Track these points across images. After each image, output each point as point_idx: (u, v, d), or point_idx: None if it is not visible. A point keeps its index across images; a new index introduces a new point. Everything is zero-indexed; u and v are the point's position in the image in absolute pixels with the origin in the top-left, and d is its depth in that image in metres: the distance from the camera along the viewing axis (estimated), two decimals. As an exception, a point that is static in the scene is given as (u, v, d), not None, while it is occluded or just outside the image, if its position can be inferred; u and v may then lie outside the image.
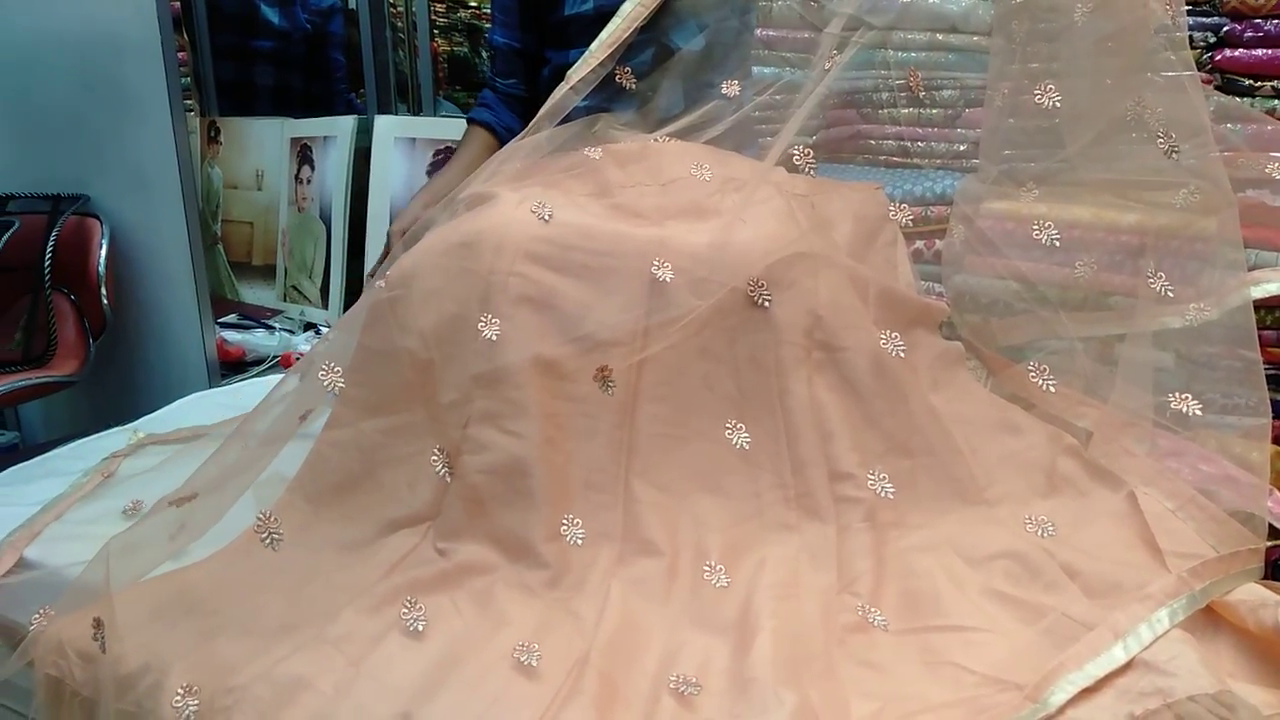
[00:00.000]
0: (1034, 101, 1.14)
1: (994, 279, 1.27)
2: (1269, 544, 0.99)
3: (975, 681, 0.88)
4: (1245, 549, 0.97)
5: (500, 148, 1.33)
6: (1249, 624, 0.90)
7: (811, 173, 1.18)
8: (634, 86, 1.27)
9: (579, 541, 1.03)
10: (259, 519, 0.98)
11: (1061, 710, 0.83)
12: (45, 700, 0.99)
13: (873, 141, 1.53)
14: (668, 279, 1.08)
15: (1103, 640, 0.87)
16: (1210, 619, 0.93)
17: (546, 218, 1.11)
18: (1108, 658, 0.86)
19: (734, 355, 1.10)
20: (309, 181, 2.59)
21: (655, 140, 1.24)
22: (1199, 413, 1.05)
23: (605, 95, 1.31)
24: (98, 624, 0.95)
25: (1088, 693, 0.84)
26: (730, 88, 1.26)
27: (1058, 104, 1.13)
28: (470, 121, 1.53)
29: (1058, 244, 1.16)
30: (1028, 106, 1.17)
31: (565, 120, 1.29)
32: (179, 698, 0.88)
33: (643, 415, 1.09)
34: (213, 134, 2.81)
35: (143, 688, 0.92)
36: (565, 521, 1.04)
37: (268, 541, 0.98)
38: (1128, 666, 0.85)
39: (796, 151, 1.17)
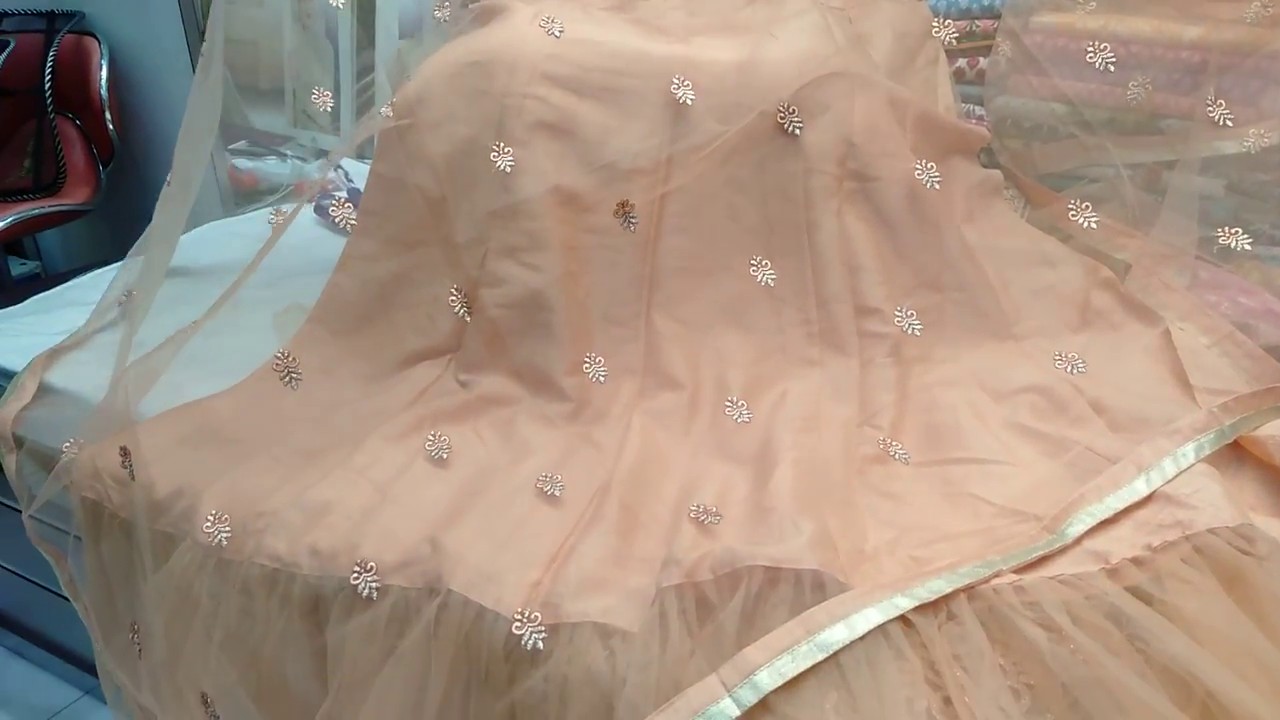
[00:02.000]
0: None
1: (1039, 101, 1.19)
2: (1304, 380, 0.97)
3: (993, 512, 0.88)
4: (1278, 385, 0.95)
5: None
6: (1276, 459, 0.89)
7: (847, -16, 1.09)
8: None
9: (601, 379, 1.03)
10: (277, 359, 0.97)
11: (1078, 541, 0.82)
12: (84, 521, 1.02)
13: (916, -52, 1.41)
14: (689, 100, 1.02)
15: (1125, 473, 0.86)
16: (1236, 453, 0.92)
17: (558, 34, 1.04)
18: (1129, 490, 0.85)
19: (761, 186, 1.05)
20: (312, -4, 2.45)
21: (679, -54, 1.14)
22: (1248, 247, 1.01)
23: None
24: (124, 452, 0.96)
25: (1106, 524, 0.83)
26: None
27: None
28: None
29: (1112, 68, 1.08)
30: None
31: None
32: (210, 523, 0.90)
33: (665, 248, 1.06)
34: (208, -56, 2.64)
35: (177, 510, 0.94)
36: (587, 360, 1.03)
37: (286, 381, 0.98)
38: (1149, 499, 0.84)
39: (831, -37, 1.07)
